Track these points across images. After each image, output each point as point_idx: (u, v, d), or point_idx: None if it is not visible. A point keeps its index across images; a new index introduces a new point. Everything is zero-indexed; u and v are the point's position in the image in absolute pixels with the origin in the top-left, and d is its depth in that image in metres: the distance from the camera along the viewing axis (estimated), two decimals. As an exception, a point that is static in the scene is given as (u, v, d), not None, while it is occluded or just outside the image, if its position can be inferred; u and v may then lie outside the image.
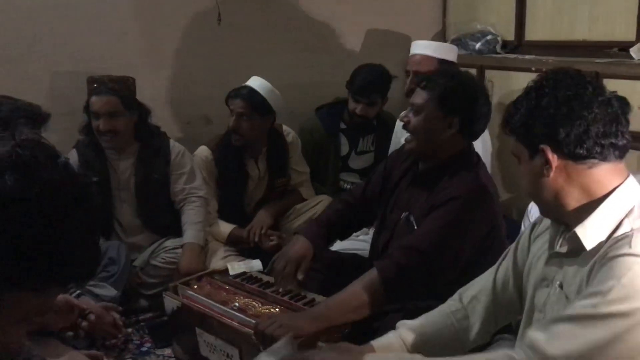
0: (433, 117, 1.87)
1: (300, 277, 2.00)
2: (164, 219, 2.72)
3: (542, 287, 1.30)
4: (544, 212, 1.30)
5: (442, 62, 2.75)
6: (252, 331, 1.71)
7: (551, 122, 1.16)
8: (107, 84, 2.53)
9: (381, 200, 2.10)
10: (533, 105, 1.19)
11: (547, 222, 1.37)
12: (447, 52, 2.85)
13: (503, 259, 1.48)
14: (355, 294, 1.75)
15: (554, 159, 1.17)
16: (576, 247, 1.20)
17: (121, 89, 2.54)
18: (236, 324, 1.81)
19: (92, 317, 1.84)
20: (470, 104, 1.88)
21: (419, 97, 1.91)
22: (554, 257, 1.27)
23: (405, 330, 1.45)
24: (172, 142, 2.75)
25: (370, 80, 3.00)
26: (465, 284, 1.55)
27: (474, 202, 1.80)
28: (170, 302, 2.04)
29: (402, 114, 1.99)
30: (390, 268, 1.75)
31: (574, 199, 1.19)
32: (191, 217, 2.67)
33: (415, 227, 1.89)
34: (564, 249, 1.23)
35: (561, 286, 1.23)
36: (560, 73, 1.20)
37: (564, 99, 1.16)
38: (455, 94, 1.86)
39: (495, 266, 1.49)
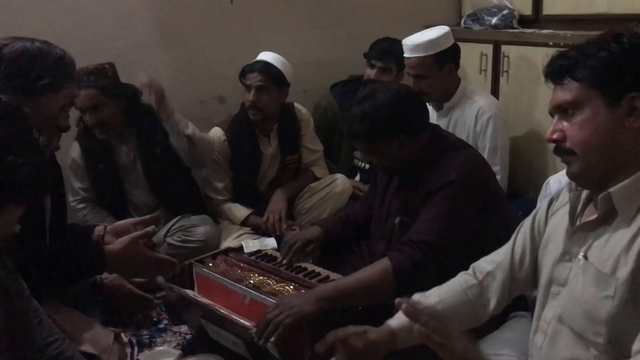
0: (384, 150, 1.90)
1: (304, 255, 2.12)
2: (178, 195, 2.73)
3: (563, 262, 1.27)
4: (588, 166, 1.18)
5: (437, 56, 2.60)
6: (252, 325, 1.72)
7: None
8: (82, 77, 2.38)
9: (374, 209, 2.13)
10: (628, 50, 1.13)
11: (564, 197, 1.34)
12: (440, 42, 2.61)
13: (517, 234, 1.47)
14: (366, 280, 1.76)
15: None
16: (610, 212, 1.17)
17: (97, 80, 2.46)
18: (235, 317, 1.80)
19: None
20: (397, 118, 1.87)
21: (361, 144, 1.95)
22: (577, 231, 1.24)
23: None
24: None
25: (387, 46, 3.03)
26: (473, 257, 1.54)
27: (464, 182, 1.82)
28: (171, 293, 2.06)
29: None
30: (404, 261, 1.75)
31: (629, 160, 1.16)
32: None
33: None
34: (593, 216, 1.20)
35: (586, 257, 1.21)
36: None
37: None
38: (381, 124, 1.86)
39: (510, 242, 1.47)
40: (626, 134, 1.15)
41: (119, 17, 2.92)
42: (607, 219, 1.18)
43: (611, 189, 1.15)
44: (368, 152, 1.95)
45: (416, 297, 1.48)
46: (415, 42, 2.61)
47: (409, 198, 1.94)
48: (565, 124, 1.19)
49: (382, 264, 1.77)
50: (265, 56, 2.81)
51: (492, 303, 1.46)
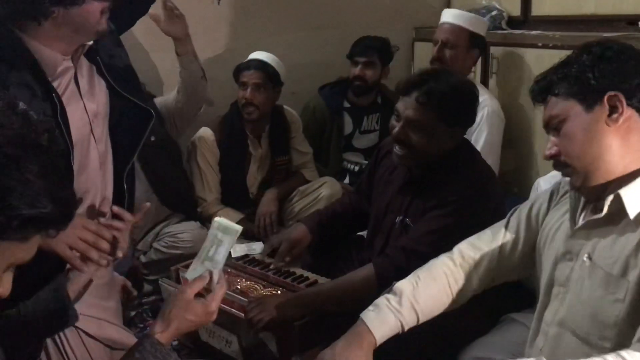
0: (437, 133, 1.77)
1: (287, 259, 2.05)
2: (173, 188, 2.69)
3: (565, 261, 1.25)
4: (585, 174, 1.18)
5: (472, 35, 2.68)
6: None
7: (621, 70, 1.14)
8: None
9: (371, 201, 2.05)
10: (598, 56, 1.16)
11: (565, 191, 1.33)
12: (479, 26, 2.73)
13: (509, 222, 1.44)
14: (349, 287, 1.75)
15: (623, 105, 1.13)
16: (617, 212, 1.15)
17: None
18: (233, 310, 1.78)
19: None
20: (469, 111, 1.82)
21: (417, 112, 1.75)
22: (580, 230, 1.23)
23: (403, 304, 1.40)
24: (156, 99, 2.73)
25: (368, 42, 3.06)
26: None
27: (471, 203, 1.74)
28: (167, 289, 2.02)
29: (395, 132, 1.80)
30: (388, 269, 1.73)
31: (626, 158, 1.15)
32: None
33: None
34: (598, 215, 1.18)
35: (590, 258, 1.19)
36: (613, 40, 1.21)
37: (631, 53, 1.16)
38: (457, 105, 1.77)
39: (500, 230, 1.44)
40: (612, 133, 1.15)
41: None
42: (614, 218, 1.16)
43: (621, 190, 1.14)
44: (421, 125, 1.75)
45: (398, 285, 1.44)
46: (458, 12, 2.73)
47: (413, 201, 1.86)
48: (557, 138, 1.21)
49: (366, 270, 1.75)
50: (260, 55, 2.81)
51: (473, 287, 1.45)
